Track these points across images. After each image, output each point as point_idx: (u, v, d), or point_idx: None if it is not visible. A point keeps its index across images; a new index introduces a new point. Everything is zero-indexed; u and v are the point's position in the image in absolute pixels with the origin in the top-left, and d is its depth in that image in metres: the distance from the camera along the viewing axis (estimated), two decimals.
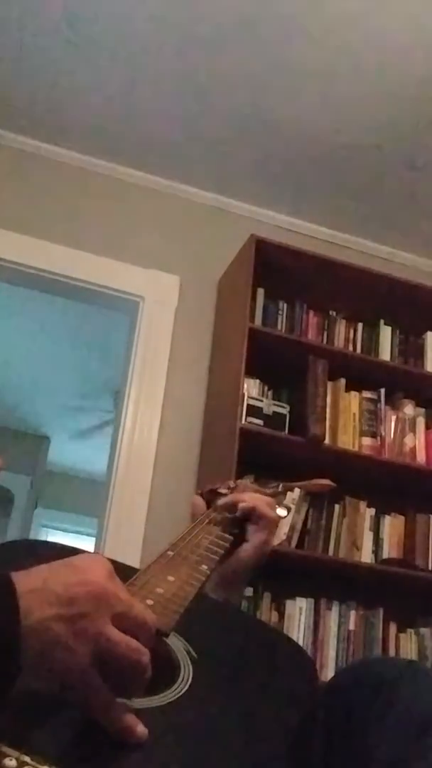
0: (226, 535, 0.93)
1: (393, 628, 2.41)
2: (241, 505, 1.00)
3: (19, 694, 0.51)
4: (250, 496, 1.04)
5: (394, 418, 2.59)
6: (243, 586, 1.05)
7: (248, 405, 2.37)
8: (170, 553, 0.84)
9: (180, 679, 0.65)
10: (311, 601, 2.33)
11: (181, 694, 0.63)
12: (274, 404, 2.45)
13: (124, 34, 2.31)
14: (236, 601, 1.04)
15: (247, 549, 0.99)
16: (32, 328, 4.05)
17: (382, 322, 2.73)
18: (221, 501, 1.02)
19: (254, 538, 1.00)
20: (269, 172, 2.83)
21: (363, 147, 2.64)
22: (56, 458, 5.59)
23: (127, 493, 2.48)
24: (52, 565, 0.56)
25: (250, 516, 1.00)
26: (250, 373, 2.40)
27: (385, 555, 2.46)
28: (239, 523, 1.00)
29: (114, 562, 0.59)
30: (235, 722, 0.64)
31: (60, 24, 2.29)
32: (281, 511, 1.05)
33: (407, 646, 2.40)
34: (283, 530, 2.33)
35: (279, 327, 2.62)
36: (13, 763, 0.48)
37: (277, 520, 1.03)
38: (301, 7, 2.16)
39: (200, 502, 1.05)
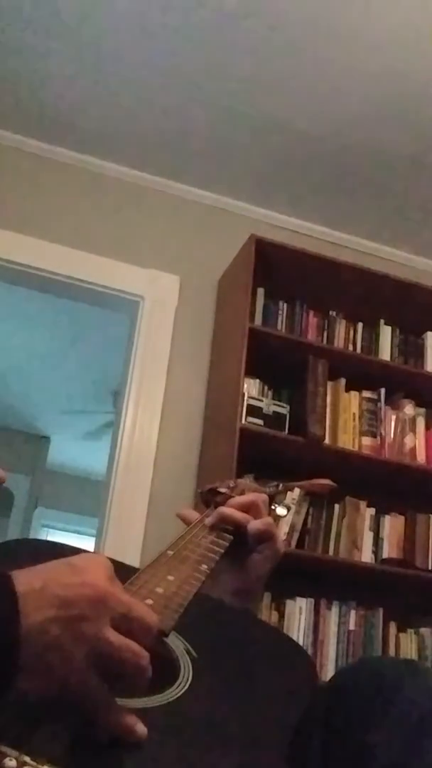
0: (226, 534, 0.93)
1: (393, 628, 2.41)
2: (252, 528, 0.93)
3: (18, 694, 0.51)
4: (248, 505, 0.96)
5: (394, 418, 2.59)
6: (260, 596, 1.04)
7: (248, 405, 2.37)
8: (170, 552, 0.84)
9: (180, 679, 0.65)
10: (311, 601, 2.33)
11: (180, 693, 0.63)
12: (274, 404, 2.45)
13: (124, 35, 2.31)
14: (254, 609, 1.02)
15: (258, 561, 0.95)
16: (32, 328, 4.05)
17: (382, 322, 2.73)
18: (215, 516, 0.95)
19: (265, 549, 0.95)
20: (269, 172, 2.83)
21: (363, 147, 2.64)
22: (56, 458, 5.60)
23: (127, 493, 2.48)
24: (52, 565, 0.56)
25: (261, 536, 0.94)
26: (250, 373, 2.40)
27: (385, 555, 2.46)
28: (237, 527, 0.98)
29: (114, 562, 0.59)
30: (235, 722, 0.64)
31: (60, 25, 2.29)
32: (281, 511, 1.05)
33: (407, 646, 2.40)
34: (283, 530, 2.33)
35: (279, 327, 2.62)
36: (13, 763, 0.48)
37: (276, 532, 0.96)
38: (302, 8, 2.16)
39: (190, 513, 1.00)
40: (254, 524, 0.94)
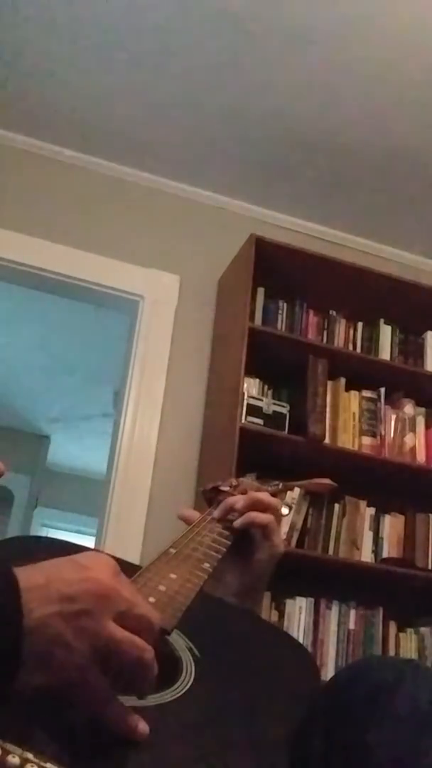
0: (229, 533, 0.93)
1: (393, 628, 2.41)
2: (256, 521, 0.95)
3: (22, 690, 0.51)
4: (257, 501, 0.98)
5: (394, 417, 2.59)
6: (262, 594, 1.04)
7: (248, 404, 2.37)
8: (172, 550, 0.84)
9: (182, 677, 0.66)
10: (311, 600, 2.33)
11: (183, 691, 0.63)
12: (274, 403, 2.45)
13: (124, 34, 2.31)
14: (257, 609, 1.03)
15: (261, 559, 0.96)
16: (32, 327, 4.05)
17: (382, 321, 2.73)
18: (222, 507, 0.97)
19: (266, 547, 0.96)
20: (269, 172, 2.83)
21: (363, 147, 2.65)
22: (56, 458, 5.59)
23: (127, 492, 2.48)
24: (56, 562, 0.56)
25: (263, 531, 0.96)
26: (250, 372, 2.40)
27: (385, 554, 2.46)
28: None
29: (116, 560, 0.59)
30: (237, 720, 0.64)
31: (60, 23, 2.29)
32: (283, 510, 1.05)
33: (407, 645, 2.40)
34: (283, 529, 2.33)
35: (279, 326, 2.62)
36: (16, 760, 0.48)
37: (280, 520, 1.00)
38: (301, 7, 2.17)
39: (191, 513, 1.01)
40: (257, 516, 0.95)
